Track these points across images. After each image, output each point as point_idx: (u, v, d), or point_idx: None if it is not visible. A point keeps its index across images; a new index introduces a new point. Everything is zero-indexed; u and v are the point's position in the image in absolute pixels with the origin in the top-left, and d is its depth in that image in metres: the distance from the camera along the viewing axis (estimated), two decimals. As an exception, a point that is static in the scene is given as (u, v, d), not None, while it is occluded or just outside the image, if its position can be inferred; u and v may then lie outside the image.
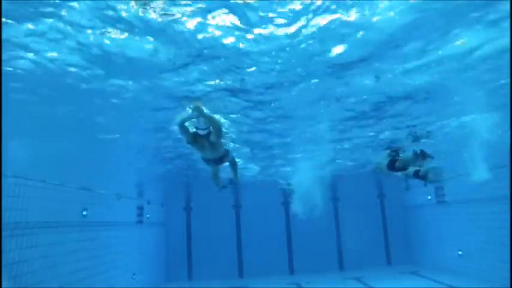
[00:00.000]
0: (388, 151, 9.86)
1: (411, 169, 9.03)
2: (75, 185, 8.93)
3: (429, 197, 15.62)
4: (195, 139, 6.09)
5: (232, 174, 7.88)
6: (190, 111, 6.10)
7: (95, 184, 10.06)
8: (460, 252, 13.41)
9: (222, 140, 6.76)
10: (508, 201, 10.00)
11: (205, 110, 6.09)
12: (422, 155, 8.45)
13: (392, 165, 8.92)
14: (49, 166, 7.96)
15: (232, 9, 4.20)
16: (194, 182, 14.21)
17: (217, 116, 6.92)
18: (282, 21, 4.45)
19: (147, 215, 14.87)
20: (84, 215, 9.33)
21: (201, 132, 5.91)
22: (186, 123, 5.95)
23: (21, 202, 6.63)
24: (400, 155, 9.29)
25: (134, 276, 12.76)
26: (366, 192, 18.14)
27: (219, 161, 6.74)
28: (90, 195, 9.76)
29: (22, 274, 6.43)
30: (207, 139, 6.03)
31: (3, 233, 5.98)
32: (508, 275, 9.72)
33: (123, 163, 10.67)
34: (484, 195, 11.57)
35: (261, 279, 16.27)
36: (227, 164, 7.36)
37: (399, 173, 9.37)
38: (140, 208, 14.35)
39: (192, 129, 6.12)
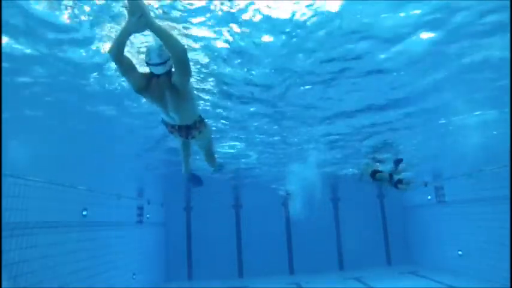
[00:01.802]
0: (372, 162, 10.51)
1: (392, 179, 9.58)
2: (75, 184, 8.93)
3: (429, 197, 15.62)
4: (147, 83, 3.56)
5: (207, 161, 5.54)
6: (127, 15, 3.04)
7: (95, 184, 10.04)
8: (460, 252, 13.40)
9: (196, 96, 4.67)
10: (508, 201, 10.01)
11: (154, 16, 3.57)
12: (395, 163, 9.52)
13: (373, 175, 9.63)
14: (49, 166, 7.96)
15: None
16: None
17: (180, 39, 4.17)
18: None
19: (147, 215, 14.86)
20: (84, 215, 9.33)
21: (156, 69, 3.44)
22: (127, 50, 3.40)
23: (21, 202, 6.63)
24: (381, 168, 9.80)
25: (134, 276, 12.75)
26: (366, 192, 18.09)
27: (188, 131, 4.22)
28: (90, 195, 9.76)
29: (22, 274, 6.42)
30: (167, 82, 3.53)
31: (3, 233, 5.98)
32: (508, 275, 9.72)
33: (123, 164, 10.65)
34: (484, 195, 11.57)
35: (261, 279, 16.25)
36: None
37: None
38: (140, 208, 14.34)
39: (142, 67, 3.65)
